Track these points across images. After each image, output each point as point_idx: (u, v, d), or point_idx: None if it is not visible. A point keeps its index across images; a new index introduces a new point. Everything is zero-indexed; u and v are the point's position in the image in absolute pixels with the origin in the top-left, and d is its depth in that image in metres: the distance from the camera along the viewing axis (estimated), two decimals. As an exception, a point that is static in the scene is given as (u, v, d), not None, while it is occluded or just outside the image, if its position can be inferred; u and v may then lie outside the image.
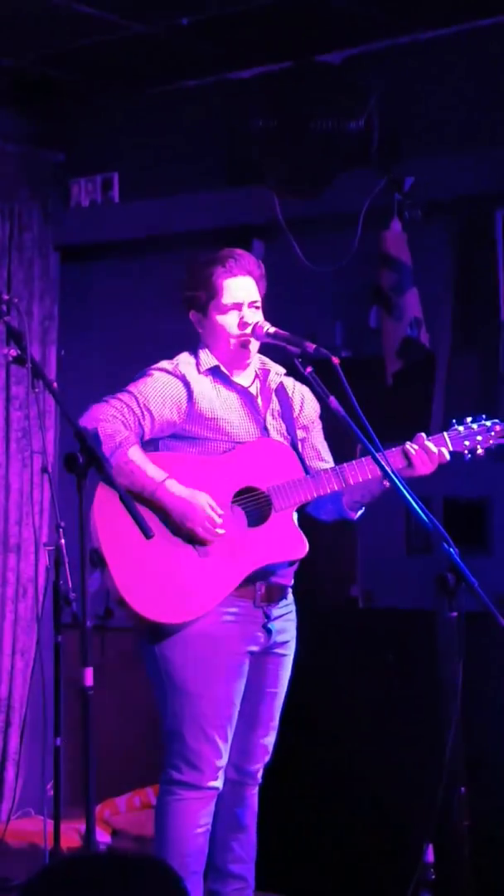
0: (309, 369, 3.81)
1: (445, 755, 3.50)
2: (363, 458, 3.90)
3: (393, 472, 3.68)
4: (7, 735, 5.90)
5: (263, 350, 4.07)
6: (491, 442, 3.96)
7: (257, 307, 3.98)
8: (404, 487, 3.60)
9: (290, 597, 4.05)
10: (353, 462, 3.92)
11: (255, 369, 4.05)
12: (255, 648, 3.93)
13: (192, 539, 3.83)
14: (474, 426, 3.96)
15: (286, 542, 3.92)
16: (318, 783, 4.81)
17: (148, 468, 3.80)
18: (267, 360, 4.09)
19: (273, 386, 4.05)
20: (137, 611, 3.78)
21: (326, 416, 3.94)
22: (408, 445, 3.89)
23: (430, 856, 3.58)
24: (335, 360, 3.72)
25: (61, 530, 3.70)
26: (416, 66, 5.32)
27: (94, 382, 5.82)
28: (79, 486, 3.41)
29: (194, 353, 4.00)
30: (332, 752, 4.78)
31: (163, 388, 3.90)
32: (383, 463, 3.68)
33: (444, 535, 3.49)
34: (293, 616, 4.06)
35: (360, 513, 4.08)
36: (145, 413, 3.86)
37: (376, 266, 5.29)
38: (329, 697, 4.81)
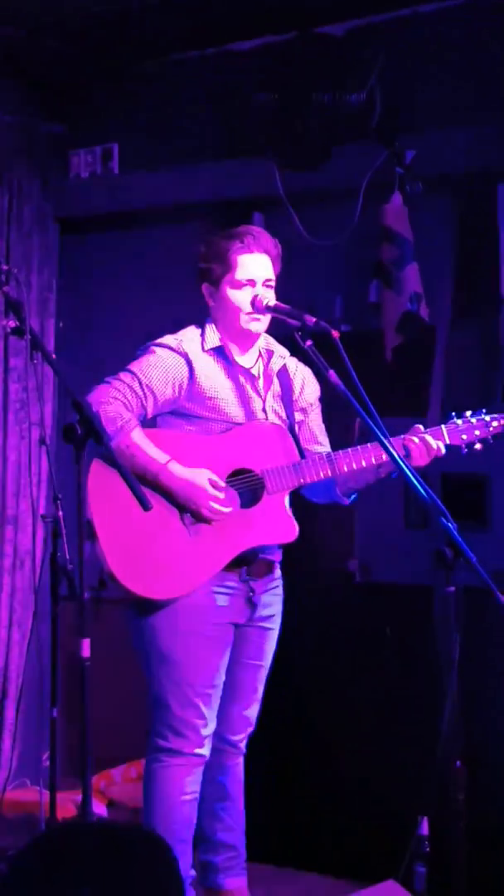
0: (309, 343, 3.80)
1: (442, 729, 3.50)
2: (358, 447, 3.92)
3: (392, 446, 3.68)
4: (3, 706, 5.91)
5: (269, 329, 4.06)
6: (490, 436, 3.96)
7: (271, 286, 3.99)
8: (403, 463, 3.60)
9: (278, 572, 4.06)
10: (349, 449, 3.93)
11: (259, 349, 4.04)
12: (239, 620, 3.95)
13: (197, 518, 3.84)
14: (473, 420, 3.96)
15: (277, 524, 3.94)
16: (314, 755, 4.83)
17: (150, 450, 3.82)
18: (272, 340, 4.08)
19: (276, 368, 4.06)
20: (125, 585, 3.82)
21: (326, 389, 3.94)
22: (408, 438, 3.88)
23: (424, 829, 3.60)
24: (335, 334, 3.72)
25: (59, 502, 3.69)
26: (419, 38, 5.29)
27: (93, 354, 5.82)
28: (77, 458, 3.40)
29: (201, 328, 3.99)
30: (329, 725, 4.79)
31: (164, 367, 3.90)
32: (382, 438, 3.67)
33: (443, 509, 3.49)
34: (280, 591, 4.08)
35: (352, 498, 4.09)
36: (147, 394, 3.86)
37: (377, 240, 5.28)
38: (326, 671, 4.82)
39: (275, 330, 4.10)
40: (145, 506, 3.45)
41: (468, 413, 3.97)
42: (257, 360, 4.04)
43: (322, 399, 4.18)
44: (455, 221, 5.36)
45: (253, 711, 4.10)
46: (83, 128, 6.08)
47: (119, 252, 6.13)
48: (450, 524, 3.48)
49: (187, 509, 3.85)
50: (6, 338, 5.85)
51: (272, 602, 4.05)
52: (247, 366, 4.01)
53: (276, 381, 4.05)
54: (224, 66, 5.66)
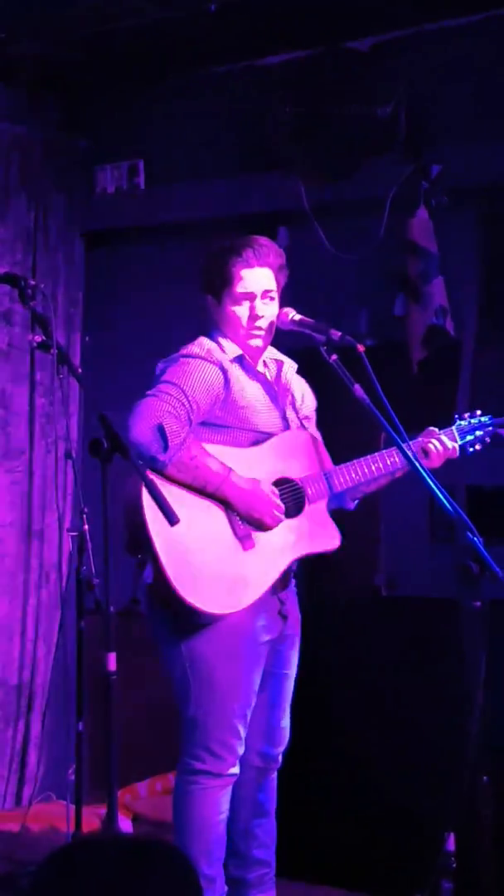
0: (334, 357, 3.80)
1: (468, 744, 3.49)
2: (382, 451, 3.93)
3: (417, 460, 3.68)
4: (29, 720, 5.92)
5: (281, 340, 4.06)
6: (487, 437, 4.07)
7: (272, 297, 3.96)
8: (428, 476, 3.59)
9: (293, 580, 4.08)
10: (374, 455, 3.95)
11: (263, 359, 4.04)
12: (273, 636, 3.95)
13: (260, 527, 3.84)
14: (473, 421, 4.06)
15: (322, 532, 3.94)
16: (340, 771, 4.81)
17: (211, 462, 3.79)
18: (276, 350, 4.08)
19: (288, 377, 4.06)
20: (188, 602, 3.74)
21: (352, 404, 3.94)
22: (426, 441, 3.91)
23: (451, 844, 3.58)
24: (360, 348, 3.72)
25: (85, 516, 3.70)
26: (444, 53, 5.29)
27: (118, 368, 5.84)
28: (103, 472, 3.41)
29: (214, 340, 3.97)
30: (355, 741, 4.78)
31: (204, 377, 3.86)
32: (407, 451, 3.68)
33: (468, 523, 3.48)
34: (296, 597, 4.09)
35: (356, 503, 4.10)
36: (193, 405, 3.82)
37: (402, 254, 5.28)
38: (352, 685, 4.80)
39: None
40: (171, 520, 3.45)
41: (467, 414, 4.06)
42: (265, 370, 4.05)
43: (349, 412, 4.18)
44: (480, 235, 5.36)
45: (287, 722, 4.09)
46: (109, 143, 6.11)
47: (145, 266, 6.15)
48: (476, 538, 3.47)
49: (249, 518, 3.82)
50: (32, 352, 5.88)
51: (293, 610, 4.06)
52: (265, 374, 4.02)
53: (289, 390, 4.07)
54: (250, 80, 5.68)
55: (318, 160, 5.35)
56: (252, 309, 3.93)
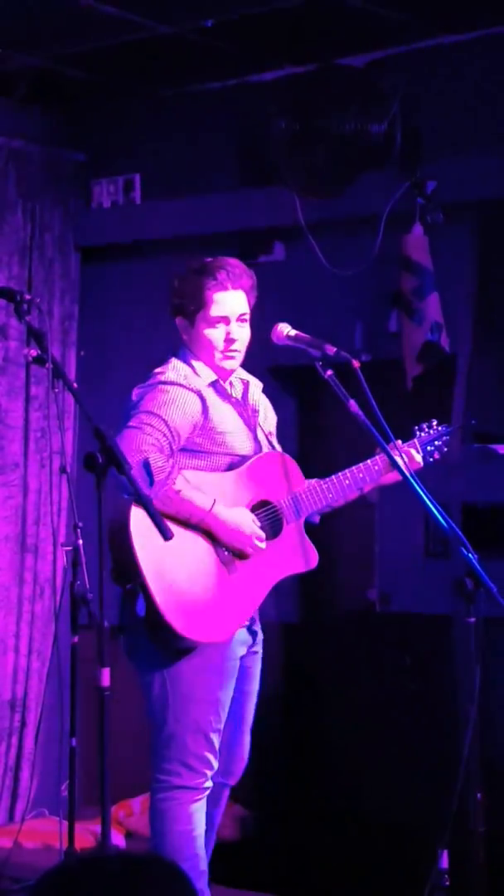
0: (329, 372, 3.80)
1: (462, 760, 3.48)
2: (353, 468, 3.95)
3: (412, 476, 3.68)
4: (22, 735, 5.90)
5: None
6: (444, 446, 4.10)
7: (245, 320, 3.96)
8: (423, 492, 3.60)
9: None
10: (345, 471, 3.96)
11: (230, 379, 4.04)
12: (243, 652, 3.96)
13: (240, 556, 3.85)
14: (431, 430, 4.09)
15: (301, 552, 3.95)
16: (332, 786, 4.81)
17: (196, 496, 3.79)
18: (241, 370, 4.07)
19: (255, 397, 4.06)
20: (181, 633, 3.75)
21: (347, 419, 3.94)
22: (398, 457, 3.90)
23: (444, 862, 3.57)
24: (355, 364, 3.72)
25: (79, 530, 3.69)
26: (439, 69, 5.31)
27: (114, 383, 5.83)
28: (98, 486, 3.40)
29: (187, 363, 3.95)
30: (348, 756, 4.77)
31: (184, 406, 3.86)
32: (402, 467, 3.69)
33: (463, 539, 3.49)
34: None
35: (319, 517, 4.10)
36: (174, 435, 3.82)
37: (397, 270, 5.28)
38: (345, 700, 4.80)
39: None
40: (165, 535, 3.45)
41: (425, 425, 4.09)
42: (231, 390, 4.04)
43: (344, 428, 4.19)
44: (476, 251, 5.36)
45: (248, 738, 4.09)
46: (106, 157, 6.12)
47: (140, 281, 6.15)
48: (470, 554, 3.47)
49: (231, 548, 3.84)
50: (28, 366, 5.87)
51: (259, 628, 4.06)
52: (237, 396, 4.02)
53: (259, 410, 4.07)
54: (246, 96, 5.69)
55: (313, 176, 5.35)
56: (227, 333, 3.92)
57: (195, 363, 3.95)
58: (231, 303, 3.92)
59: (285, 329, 3.95)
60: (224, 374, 3.99)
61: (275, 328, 3.97)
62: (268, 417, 4.13)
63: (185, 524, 3.79)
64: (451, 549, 3.53)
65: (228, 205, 5.72)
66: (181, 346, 4.01)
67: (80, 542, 3.62)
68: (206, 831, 4.05)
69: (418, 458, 4.04)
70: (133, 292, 6.19)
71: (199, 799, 3.91)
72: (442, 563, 4.70)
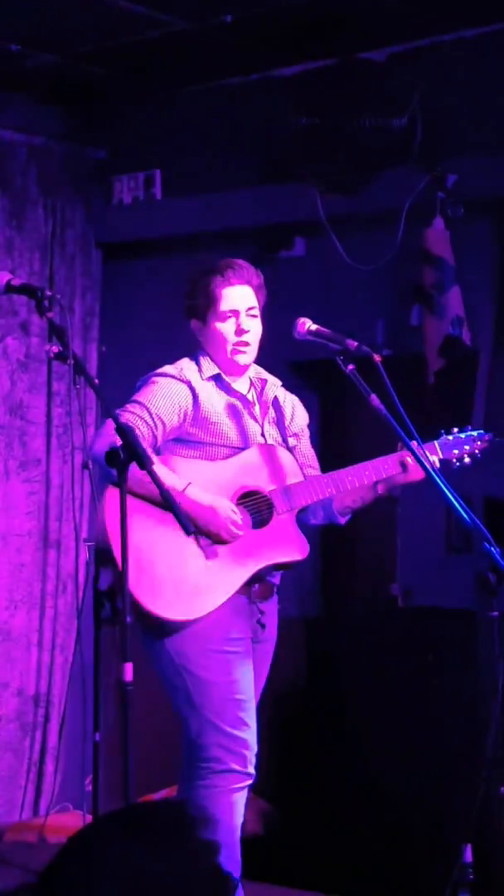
0: (351, 367, 3.81)
1: (485, 755, 3.48)
2: (358, 464, 3.94)
3: (434, 470, 3.68)
4: (46, 730, 5.93)
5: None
6: (477, 451, 4.05)
7: (255, 315, 4.02)
8: (445, 486, 3.59)
9: (276, 595, 4.10)
10: (349, 468, 3.96)
11: (249, 377, 4.09)
12: (251, 635, 3.98)
13: (216, 541, 3.88)
14: (462, 435, 4.04)
15: (288, 543, 3.98)
16: (355, 780, 4.81)
17: (168, 478, 3.82)
18: (262, 369, 4.12)
19: (270, 396, 4.10)
20: (149, 609, 3.80)
21: (368, 414, 3.94)
22: (405, 454, 3.89)
23: (468, 856, 3.57)
24: (377, 358, 3.72)
25: (102, 526, 3.70)
26: (460, 63, 5.30)
27: (135, 379, 5.84)
28: (120, 482, 3.41)
29: (195, 360, 4.04)
30: (371, 751, 4.77)
31: (170, 395, 3.95)
32: (424, 462, 3.69)
33: (486, 533, 3.48)
34: (276, 609, 4.11)
35: (347, 518, 4.10)
36: (157, 423, 3.90)
37: (418, 264, 5.28)
38: (368, 695, 4.80)
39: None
40: (188, 530, 3.47)
41: (455, 429, 4.04)
42: (250, 388, 4.09)
43: (365, 422, 4.19)
44: (497, 245, 5.36)
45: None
46: (126, 154, 6.13)
47: (161, 277, 6.16)
48: (493, 548, 3.47)
49: (206, 532, 3.88)
50: (49, 363, 5.89)
51: (271, 623, 4.09)
52: (242, 392, 4.06)
53: (271, 408, 4.10)
54: (266, 91, 5.69)
55: (333, 171, 5.35)
56: (238, 324, 3.99)
57: (202, 359, 4.04)
58: (239, 296, 4.00)
59: (306, 324, 3.96)
60: (236, 369, 4.03)
61: (296, 323, 3.97)
62: (295, 418, 4.16)
63: (162, 507, 3.78)
64: (474, 544, 3.52)
65: (249, 201, 5.72)
66: (197, 348, 4.08)
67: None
68: None
69: (430, 458, 3.98)
70: (154, 288, 6.20)
71: (241, 788, 3.90)
72: (464, 557, 4.70)
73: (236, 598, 3.92)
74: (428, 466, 3.68)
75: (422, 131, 5.25)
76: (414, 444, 3.77)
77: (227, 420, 3.99)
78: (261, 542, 3.95)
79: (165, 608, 3.83)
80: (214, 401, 3.99)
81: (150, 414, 3.90)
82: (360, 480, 3.95)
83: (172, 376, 3.98)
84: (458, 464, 4.04)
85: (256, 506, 3.97)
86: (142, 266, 6.26)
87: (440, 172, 5.24)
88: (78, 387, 3.60)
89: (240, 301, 4.00)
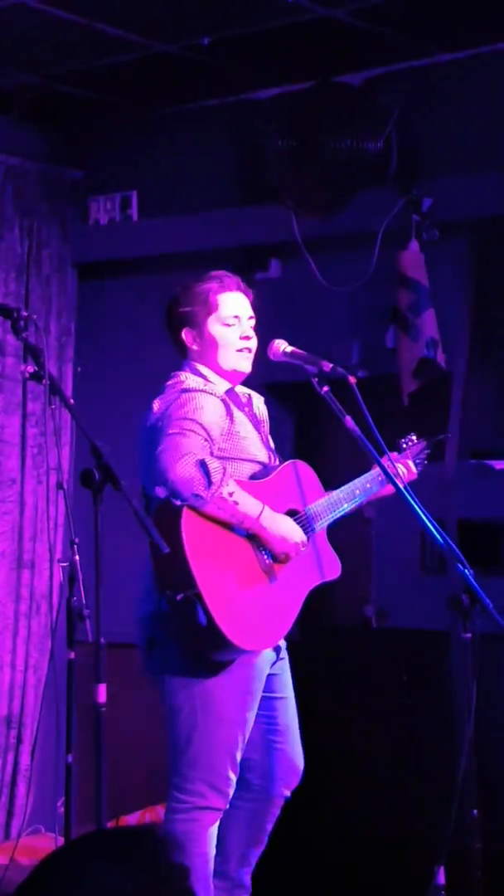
0: (325, 388, 3.81)
1: (458, 777, 3.48)
2: (363, 476, 3.98)
3: (407, 490, 3.69)
4: (18, 751, 5.89)
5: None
6: (425, 456, 4.19)
7: (253, 326, 3.99)
8: (419, 507, 3.60)
9: None
10: (359, 479, 3.99)
11: (238, 392, 4.05)
12: (268, 671, 3.94)
13: (284, 561, 3.83)
14: (413, 443, 4.19)
15: (327, 561, 3.96)
16: (328, 803, 4.80)
17: (248, 500, 3.75)
18: (243, 386, 4.08)
19: (261, 409, 4.08)
20: (236, 643, 3.69)
21: (343, 435, 3.95)
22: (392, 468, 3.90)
23: (441, 878, 3.56)
24: (352, 380, 3.73)
25: (75, 546, 3.69)
26: (435, 87, 5.34)
27: (110, 399, 5.85)
28: (94, 502, 3.40)
29: (197, 374, 3.95)
30: (344, 772, 4.77)
31: (213, 411, 3.84)
32: (398, 482, 3.69)
33: (459, 555, 3.49)
34: None
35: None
36: (211, 440, 3.80)
37: (393, 286, 5.30)
38: (341, 717, 4.79)
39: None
40: (160, 549, 3.41)
41: (403, 440, 4.17)
42: (247, 400, 4.06)
43: (340, 444, 4.21)
44: (472, 268, 5.38)
45: (300, 749, 4.05)
46: (103, 174, 6.14)
47: (137, 298, 6.16)
48: (466, 570, 3.47)
49: (279, 554, 3.81)
50: (24, 383, 5.88)
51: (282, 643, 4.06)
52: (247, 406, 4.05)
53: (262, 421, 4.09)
54: (243, 114, 5.71)
55: (310, 193, 5.38)
56: (241, 330, 3.94)
57: (206, 371, 3.96)
58: (239, 303, 3.97)
59: (282, 345, 3.96)
60: (236, 377, 3.99)
61: (271, 345, 3.97)
62: (269, 431, 4.15)
63: (231, 528, 3.76)
64: (448, 566, 3.52)
65: (225, 222, 5.74)
66: (186, 361, 4.00)
67: (77, 557, 3.63)
68: (257, 847, 4.03)
69: (414, 468, 4.12)
70: (130, 309, 6.20)
71: (217, 821, 3.87)
72: (438, 579, 4.70)
73: None
74: (402, 488, 3.68)
75: (397, 154, 5.28)
76: (386, 463, 3.78)
77: (250, 434, 3.94)
78: (308, 561, 3.90)
79: (246, 639, 3.72)
80: (239, 415, 3.94)
81: (206, 430, 3.78)
82: (364, 493, 4.00)
83: (203, 391, 3.87)
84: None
85: (300, 525, 3.91)
86: (117, 286, 6.27)
87: (415, 196, 5.27)
88: (53, 407, 3.59)
89: (241, 308, 3.96)
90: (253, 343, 3.97)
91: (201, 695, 3.79)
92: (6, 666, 5.88)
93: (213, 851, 3.88)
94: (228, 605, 3.69)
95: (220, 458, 3.81)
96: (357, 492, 4.00)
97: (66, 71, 5.55)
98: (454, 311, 5.34)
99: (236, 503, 3.71)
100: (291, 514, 3.91)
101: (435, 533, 3.54)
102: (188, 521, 3.66)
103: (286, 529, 3.81)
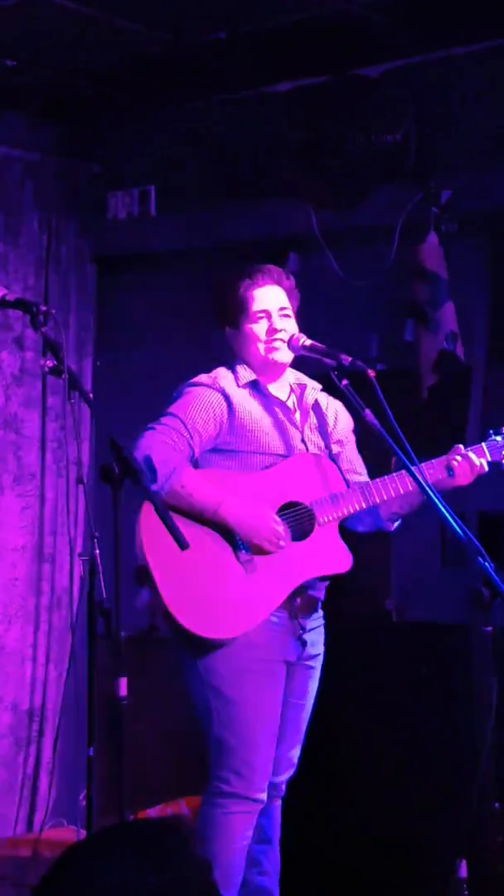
0: (345, 382, 3.81)
1: (479, 770, 3.48)
2: (403, 470, 3.90)
3: (427, 484, 3.68)
4: (40, 745, 5.91)
5: (298, 366, 4.08)
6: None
7: (287, 315, 3.99)
8: (439, 501, 3.60)
9: (321, 610, 4.05)
10: (394, 474, 3.92)
11: (289, 383, 4.05)
12: (290, 658, 3.94)
13: (256, 552, 3.85)
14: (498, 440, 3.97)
15: (331, 555, 3.93)
16: (349, 797, 4.80)
17: (205, 490, 3.82)
18: (302, 375, 4.09)
19: (310, 401, 4.06)
20: (186, 627, 3.78)
21: (361, 428, 3.94)
22: (451, 457, 3.88)
23: (463, 871, 3.57)
24: (371, 374, 3.73)
25: (96, 540, 3.71)
26: (453, 80, 5.32)
27: (130, 393, 5.86)
28: (114, 497, 3.41)
29: (231, 369, 4.01)
30: (365, 765, 4.77)
31: (204, 405, 3.91)
32: (418, 476, 3.68)
33: (479, 548, 3.49)
34: (323, 629, 4.07)
35: (396, 524, 4.07)
36: (193, 434, 3.87)
37: (412, 279, 5.29)
38: (362, 710, 4.80)
39: (310, 370, 4.11)
40: (182, 545, 3.45)
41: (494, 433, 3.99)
42: (290, 394, 4.05)
43: (358, 437, 4.19)
44: (490, 260, 5.37)
45: (296, 752, 4.06)
46: (121, 169, 6.14)
47: (156, 292, 6.17)
48: (487, 563, 3.47)
49: (248, 543, 3.84)
50: (44, 377, 5.89)
51: (317, 641, 4.04)
52: (281, 398, 4.02)
53: (312, 413, 4.06)
54: (260, 107, 5.71)
55: (327, 187, 5.37)
56: (270, 324, 3.96)
57: (239, 367, 4.00)
58: (270, 297, 3.98)
59: (301, 339, 3.97)
60: (273, 370, 3.99)
61: (290, 338, 3.98)
62: (338, 424, 4.11)
63: (199, 520, 3.80)
64: (468, 559, 3.52)
65: (243, 216, 5.74)
66: (230, 356, 4.05)
67: (97, 552, 3.64)
68: (262, 845, 4.02)
69: (478, 461, 3.90)
70: (148, 303, 6.21)
71: (248, 812, 3.87)
72: (458, 572, 4.70)
73: (276, 615, 3.88)
74: (421, 481, 3.67)
75: (415, 147, 5.27)
76: (414, 469, 3.68)
77: (266, 426, 3.95)
78: (302, 554, 3.89)
79: (204, 626, 3.79)
80: (251, 408, 3.95)
81: (185, 425, 3.87)
82: (405, 487, 3.89)
83: (206, 385, 3.95)
84: None
85: (298, 517, 3.91)
86: (136, 281, 6.27)
87: (434, 188, 5.25)
88: (72, 401, 3.60)
89: (271, 302, 3.97)
90: (284, 334, 3.97)
91: (209, 681, 3.85)
92: (28, 660, 5.90)
93: (242, 843, 3.87)
94: (183, 593, 3.76)
95: (226, 451, 3.90)
96: (392, 489, 3.90)
97: (84, 66, 5.55)
98: (473, 304, 5.33)
99: (191, 494, 3.78)
100: (291, 505, 3.91)
101: (455, 526, 3.53)
102: (145, 513, 3.75)
103: (253, 520, 3.81)
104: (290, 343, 3.96)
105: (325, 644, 4.08)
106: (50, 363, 3.55)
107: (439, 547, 4.85)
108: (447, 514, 3.56)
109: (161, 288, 6.16)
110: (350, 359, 3.82)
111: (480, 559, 3.47)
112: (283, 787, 4.07)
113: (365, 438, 4.06)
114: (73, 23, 5.06)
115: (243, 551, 3.85)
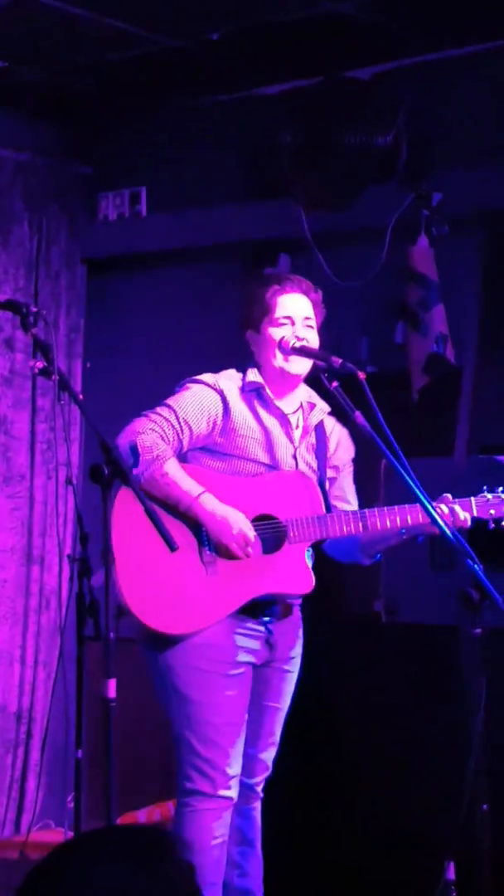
0: (335, 384, 3.80)
1: (468, 771, 3.48)
2: (391, 507, 3.88)
3: (419, 488, 3.67)
4: (28, 747, 5.91)
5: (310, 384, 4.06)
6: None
7: (311, 326, 3.96)
8: (429, 503, 3.59)
9: (298, 615, 4.04)
10: (381, 508, 3.89)
11: (300, 400, 4.03)
12: (254, 661, 3.93)
13: (225, 555, 3.85)
14: (503, 495, 3.92)
15: (294, 575, 3.92)
16: (338, 799, 4.80)
17: (184, 482, 3.83)
18: (315, 394, 4.06)
19: (314, 421, 4.04)
20: (137, 616, 3.82)
21: (352, 431, 3.94)
22: (437, 506, 3.82)
23: (451, 873, 3.56)
24: (361, 375, 3.72)
25: (86, 542, 3.70)
26: (445, 82, 5.33)
27: (120, 394, 5.85)
28: (103, 498, 3.41)
29: (241, 370, 4.00)
30: (353, 768, 4.77)
31: (200, 401, 3.91)
32: (408, 479, 3.68)
33: (469, 550, 3.48)
34: (300, 633, 4.05)
35: (374, 560, 4.06)
36: (184, 427, 3.87)
37: (403, 281, 5.30)
38: (351, 712, 4.79)
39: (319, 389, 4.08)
40: (171, 546, 3.45)
41: (500, 489, 3.93)
42: (297, 410, 4.03)
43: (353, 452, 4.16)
44: (481, 263, 5.38)
45: (270, 755, 4.05)
46: (112, 170, 6.14)
47: (146, 293, 6.17)
48: (476, 565, 3.47)
49: (215, 543, 3.84)
50: (34, 378, 5.89)
51: (292, 644, 4.03)
52: (286, 411, 4.00)
53: (312, 433, 4.04)
54: (252, 109, 5.71)
55: (319, 188, 5.37)
56: (293, 332, 3.93)
57: (250, 370, 3.99)
58: (295, 304, 3.96)
59: (291, 340, 3.96)
60: (286, 381, 3.97)
61: (280, 340, 3.97)
62: (338, 451, 4.08)
63: (174, 512, 3.81)
64: (457, 561, 3.52)
65: (234, 217, 5.74)
66: (249, 360, 4.02)
67: (87, 553, 3.63)
68: (241, 847, 4.01)
69: (463, 515, 3.86)
70: (138, 304, 6.21)
71: (215, 809, 3.87)
72: (448, 574, 4.70)
73: (237, 618, 3.88)
74: (412, 484, 3.67)
75: (407, 149, 5.27)
76: (408, 483, 3.64)
77: (258, 435, 3.93)
78: (266, 568, 3.88)
79: (158, 620, 3.82)
80: (247, 414, 3.94)
81: (178, 417, 3.87)
82: (384, 524, 3.86)
83: (206, 383, 3.94)
84: (493, 525, 3.89)
85: (271, 531, 3.90)
86: (127, 282, 6.27)
87: (425, 190, 5.26)
88: (62, 402, 3.59)
89: (296, 309, 3.95)
90: (305, 343, 3.94)
91: (169, 678, 3.87)
92: (16, 661, 5.89)
93: (212, 841, 3.86)
94: (141, 583, 3.79)
95: (216, 452, 3.91)
96: (371, 523, 3.85)
97: (75, 66, 5.55)
98: (464, 306, 5.34)
99: (168, 484, 3.81)
100: (266, 518, 3.91)
101: (444, 528, 3.53)
102: (123, 497, 3.71)
103: (225, 521, 3.81)
104: (281, 345, 3.95)
105: (315, 646, 4.07)
106: (40, 364, 3.55)
107: (428, 549, 4.85)
108: (437, 517, 3.55)
109: (151, 289, 6.15)
110: (340, 360, 3.81)
111: (469, 561, 3.47)
112: (260, 788, 4.06)
113: (355, 441, 4.06)
114: (66, 23, 5.05)
115: (208, 550, 3.85)
